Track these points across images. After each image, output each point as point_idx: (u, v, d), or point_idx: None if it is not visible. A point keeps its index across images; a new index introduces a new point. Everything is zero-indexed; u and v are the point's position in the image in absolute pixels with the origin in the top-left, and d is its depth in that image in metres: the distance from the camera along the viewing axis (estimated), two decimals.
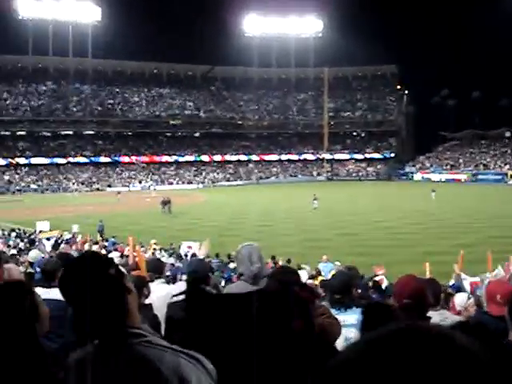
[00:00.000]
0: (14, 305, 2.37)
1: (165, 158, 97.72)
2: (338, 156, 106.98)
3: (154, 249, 22.45)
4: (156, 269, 5.73)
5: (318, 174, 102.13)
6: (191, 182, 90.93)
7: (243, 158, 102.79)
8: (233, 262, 18.46)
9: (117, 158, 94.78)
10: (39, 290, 4.41)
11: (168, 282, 5.32)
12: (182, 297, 4.24)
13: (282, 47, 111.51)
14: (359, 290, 7.71)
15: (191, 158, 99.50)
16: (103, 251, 17.95)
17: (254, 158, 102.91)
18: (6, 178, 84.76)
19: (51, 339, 3.24)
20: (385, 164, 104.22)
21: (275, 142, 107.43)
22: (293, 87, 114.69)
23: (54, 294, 4.59)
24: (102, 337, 1.90)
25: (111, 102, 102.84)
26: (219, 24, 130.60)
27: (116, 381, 1.80)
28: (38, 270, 7.01)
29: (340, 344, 3.49)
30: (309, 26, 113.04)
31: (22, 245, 22.59)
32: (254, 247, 4.16)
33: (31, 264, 7.01)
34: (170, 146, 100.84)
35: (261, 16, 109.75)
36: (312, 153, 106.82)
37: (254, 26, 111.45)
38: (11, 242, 23.48)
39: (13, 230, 30.15)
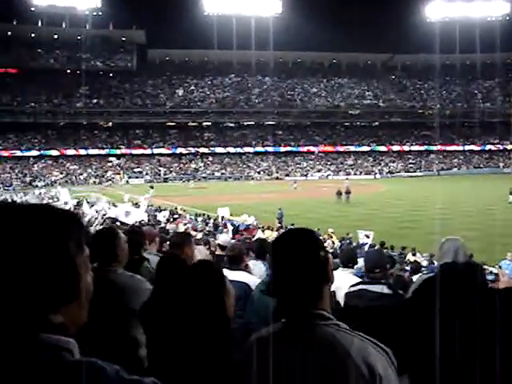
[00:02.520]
0: (206, 282, 2.55)
1: (343, 148, 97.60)
2: None
3: (331, 237, 22.68)
4: (348, 258, 5.70)
5: (505, 166, 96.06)
6: (369, 173, 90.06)
7: (423, 148, 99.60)
8: (414, 255, 18.07)
9: (296, 148, 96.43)
10: (224, 272, 4.69)
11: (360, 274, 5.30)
12: (359, 287, 4.28)
13: (466, 32, 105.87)
14: None
15: (369, 148, 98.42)
16: None
17: (435, 148, 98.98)
18: (193, 166, 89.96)
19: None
20: None
21: (458, 132, 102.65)
22: (478, 74, 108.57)
23: (238, 276, 4.85)
24: (290, 314, 1.92)
25: (291, 92, 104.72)
26: (399, 11, 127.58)
27: (305, 359, 1.81)
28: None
29: None
30: (496, 9, 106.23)
31: (207, 229, 23.89)
32: (459, 242, 4.04)
33: (221, 247, 7.41)
34: (348, 136, 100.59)
35: (444, 1, 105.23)
36: (498, 143, 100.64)
37: (437, 11, 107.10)
38: (199, 227, 24.91)
39: (198, 215, 31.93)
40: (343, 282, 4.66)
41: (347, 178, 65.40)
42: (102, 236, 3.82)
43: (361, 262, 7.13)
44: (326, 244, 19.13)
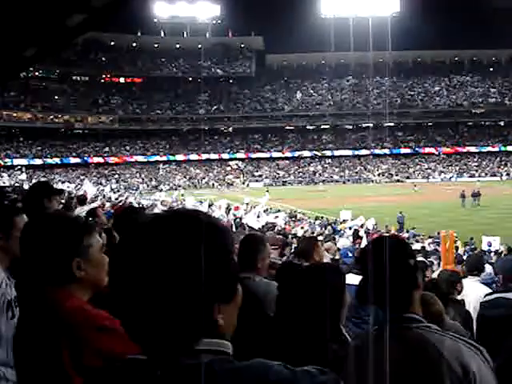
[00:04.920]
0: (324, 286, 2.56)
1: (466, 149, 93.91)
2: None
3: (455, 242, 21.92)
4: (474, 266, 5.50)
5: None
6: (495, 174, 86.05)
7: None
8: None
9: (416, 149, 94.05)
10: (350, 277, 4.70)
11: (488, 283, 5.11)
12: (494, 295, 4.15)
13: None
14: None
15: (495, 149, 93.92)
16: None
17: None
18: (311, 169, 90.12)
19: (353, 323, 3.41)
20: None
21: None
22: None
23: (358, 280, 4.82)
24: (382, 319, 1.99)
25: (411, 93, 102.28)
26: None
27: (399, 362, 1.84)
28: (344, 257, 7.36)
29: None
30: None
31: (326, 232, 23.88)
32: None
33: (339, 250, 7.41)
34: (471, 136, 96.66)
35: None
36: None
37: None
38: (317, 230, 24.94)
39: (316, 218, 31.98)
40: (470, 290, 4.55)
41: (478, 180, 62.94)
42: (244, 243, 3.83)
43: (487, 268, 6.88)
44: None
